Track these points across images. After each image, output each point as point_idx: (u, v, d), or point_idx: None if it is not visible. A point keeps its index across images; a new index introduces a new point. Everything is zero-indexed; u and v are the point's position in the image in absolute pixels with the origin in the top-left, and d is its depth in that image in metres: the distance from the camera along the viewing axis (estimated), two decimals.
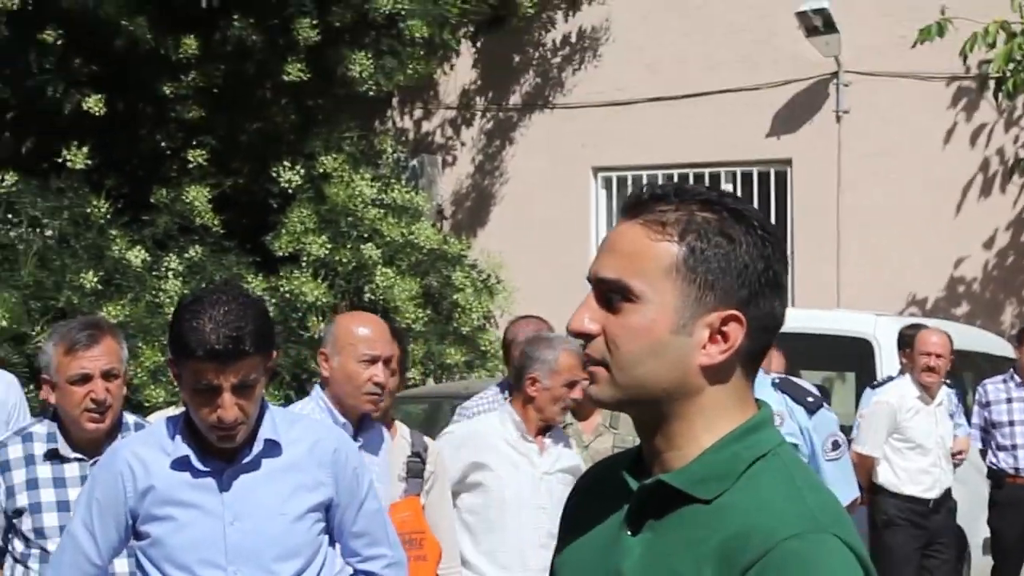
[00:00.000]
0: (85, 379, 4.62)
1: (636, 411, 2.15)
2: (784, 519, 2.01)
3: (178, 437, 3.89)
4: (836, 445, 6.00)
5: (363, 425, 5.16)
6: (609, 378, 2.11)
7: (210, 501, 3.87)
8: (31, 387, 8.51)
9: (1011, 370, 9.93)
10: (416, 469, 5.91)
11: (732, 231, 2.09)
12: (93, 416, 4.63)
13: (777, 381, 6.05)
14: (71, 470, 4.68)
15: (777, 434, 2.16)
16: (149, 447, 3.93)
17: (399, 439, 5.53)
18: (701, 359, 2.09)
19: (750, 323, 2.09)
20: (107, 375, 4.65)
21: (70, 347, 4.65)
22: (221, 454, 3.88)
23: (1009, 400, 9.83)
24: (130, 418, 4.87)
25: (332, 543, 4.09)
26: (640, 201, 2.13)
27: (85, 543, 3.93)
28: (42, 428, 4.75)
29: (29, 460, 4.68)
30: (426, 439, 5.64)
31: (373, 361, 5.09)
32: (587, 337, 2.12)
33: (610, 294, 2.10)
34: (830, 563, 1.98)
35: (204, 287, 4.06)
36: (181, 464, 3.88)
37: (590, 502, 2.25)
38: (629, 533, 2.12)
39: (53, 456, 4.68)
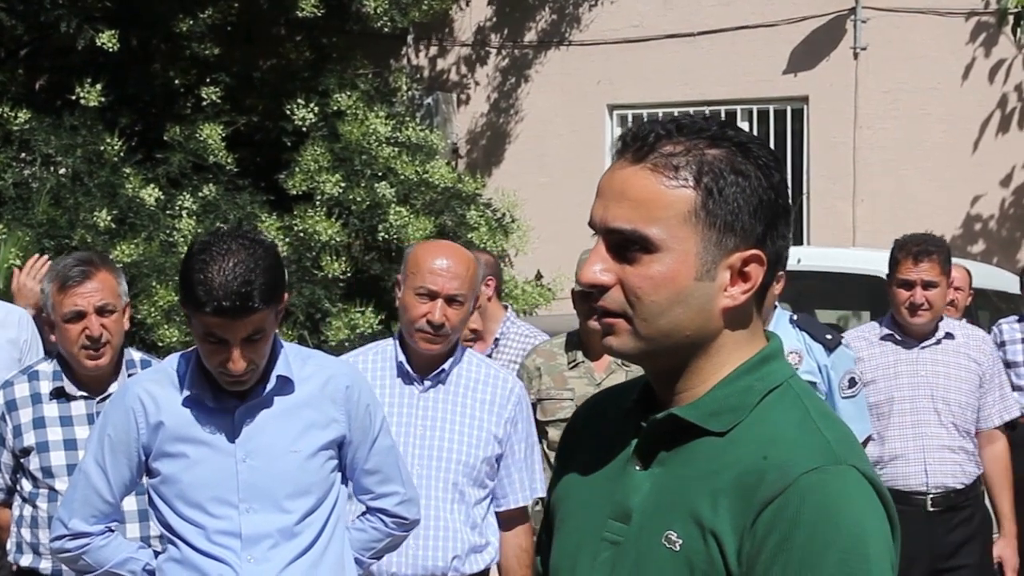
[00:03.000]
0: (79, 316, 4.59)
1: (657, 360, 2.10)
2: (801, 452, 1.98)
3: (190, 374, 3.87)
4: (853, 382, 5.98)
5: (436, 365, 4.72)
6: (631, 330, 2.06)
7: (222, 438, 3.85)
8: None
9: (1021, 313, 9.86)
10: None
11: (744, 167, 2.04)
12: (90, 353, 4.61)
13: (796, 318, 6.00)
14: (77, 408, 4.66)
15: (788, 366, 2.13)
16: (161, 384, 3.91)
17: None
18: (724, 302, 2.05)
19: (769, 259, 2.06)
20: (101, 311, 4.61)
21: (63, 284, 4.61)
22: (233, 391, 3.86)
23: None
24: (135, 355, 4.84)
25: (345, 481, 4.07)
26: (644, 142, 2.08)
27: (97, 480, 3.92)
28: (48, 367, 4.73)
29: (36, 399, 4.66)
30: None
31: (431, 297, 4.63)
32: (601, 289, 2.07)
33: (625, 244, 2.05)
34: (850, 495, 1.96)
35: (215, 232, 3.95)
36: (193, 401, 3.86)
37: (591, 435, 2.22)
38: (638, 468, 2.09)
39: (59, 395, 4.66)
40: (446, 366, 4.72)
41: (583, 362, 6.03)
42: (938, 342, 6.42)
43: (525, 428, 4.85)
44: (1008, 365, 9.68)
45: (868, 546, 1.93)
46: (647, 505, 2.06)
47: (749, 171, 2.04)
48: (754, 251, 2.04)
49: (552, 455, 5.97)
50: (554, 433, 6.00)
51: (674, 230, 2.03)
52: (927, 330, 6.40)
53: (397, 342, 4.76)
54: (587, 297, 5.66)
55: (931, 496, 6.24)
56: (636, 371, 5.80)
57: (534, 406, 6.06)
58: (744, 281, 2.05)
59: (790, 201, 2.10)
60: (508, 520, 4.86)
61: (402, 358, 4.72)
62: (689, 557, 1.99)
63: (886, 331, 6.38)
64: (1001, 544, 6.51)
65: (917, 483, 6.25)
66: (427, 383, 4.72)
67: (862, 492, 1.97)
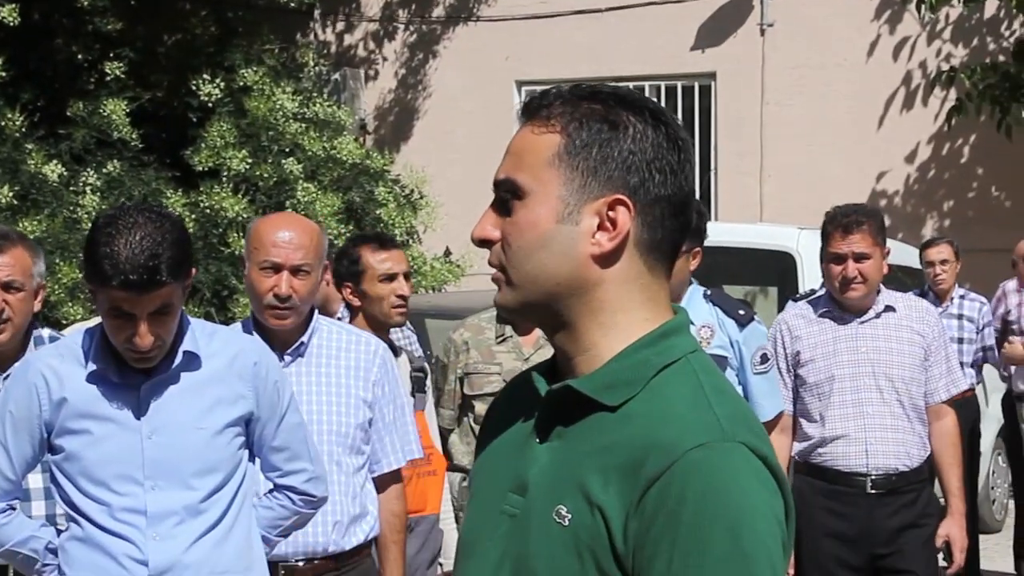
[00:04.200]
0: None
1: (538, 314, 2.10)
2: (688, 429, 1.96)
3: (94, 349, 3.81)
4: (765, 358, 5.92)
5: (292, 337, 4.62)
6: (506, 280, 2.08)
7: (127, 415, 3.79)
8: None
9: (921, 288, 9.89)
10: (420, 383, 5.71)
11: (616, 117, 2.05)
12: None
13: (709, 293, 5.97)
14: None
15: (691, 340, 2.11)
16: (64, 359, 3.84)
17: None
18: (591, 248, 2.04)
19: (642, 209, 2.04)
20: (7, 286, 4.52)
21: None
22: (139, 367, 3.81)
23: None
24: (45, 332, 4.75)
25: (252, 458, 4.03)
26: (531, 105, 2.11)
27: None
28: None
29: None
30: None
31: (276, 270, 4.50)
32: (489, 244, 2.09)
33: (505, 196, 2.08)
34: (737, 471, 1.93)
35: (120, 206, 3.88)
36: (97, 377, 3.79)
37: (507, 408, 2.21)
38: (537, 440, 2.08)
39: None
40: (304, 338, 4.63)
41: (511, 336, 6.02)
42: (878, 315, 6.12)
43: (392, 390, 4.78)
44: None
45: (757, 521, 1.91)
46: (542, 478, 2.05)
47: (621, 122, 2.05)
48: (619, 196, 2.04)
49: (478, 428, 5.95)
50: (480, 407, 5.99)
51: (539, 173, 2.05)
52: (865, 304, 6.12)
53: (251, 323, 4.65)
54: None
55: (872, 478, 5.96)
56: None
57: (461, 380, 6.04)
58: (613, 227, 2.04)
59: (683, 161, 2.09)
60: (382, 485, 4.79)
61: (258, 337, 4.56)
62: (577, 532, 1.98)
63: (824, 308, 6.16)
64: (948, 523, 6.14)
65: (858, 463, 5.95)
66: (287, 358, 4.61)
67: (750, 468, 1.95)
